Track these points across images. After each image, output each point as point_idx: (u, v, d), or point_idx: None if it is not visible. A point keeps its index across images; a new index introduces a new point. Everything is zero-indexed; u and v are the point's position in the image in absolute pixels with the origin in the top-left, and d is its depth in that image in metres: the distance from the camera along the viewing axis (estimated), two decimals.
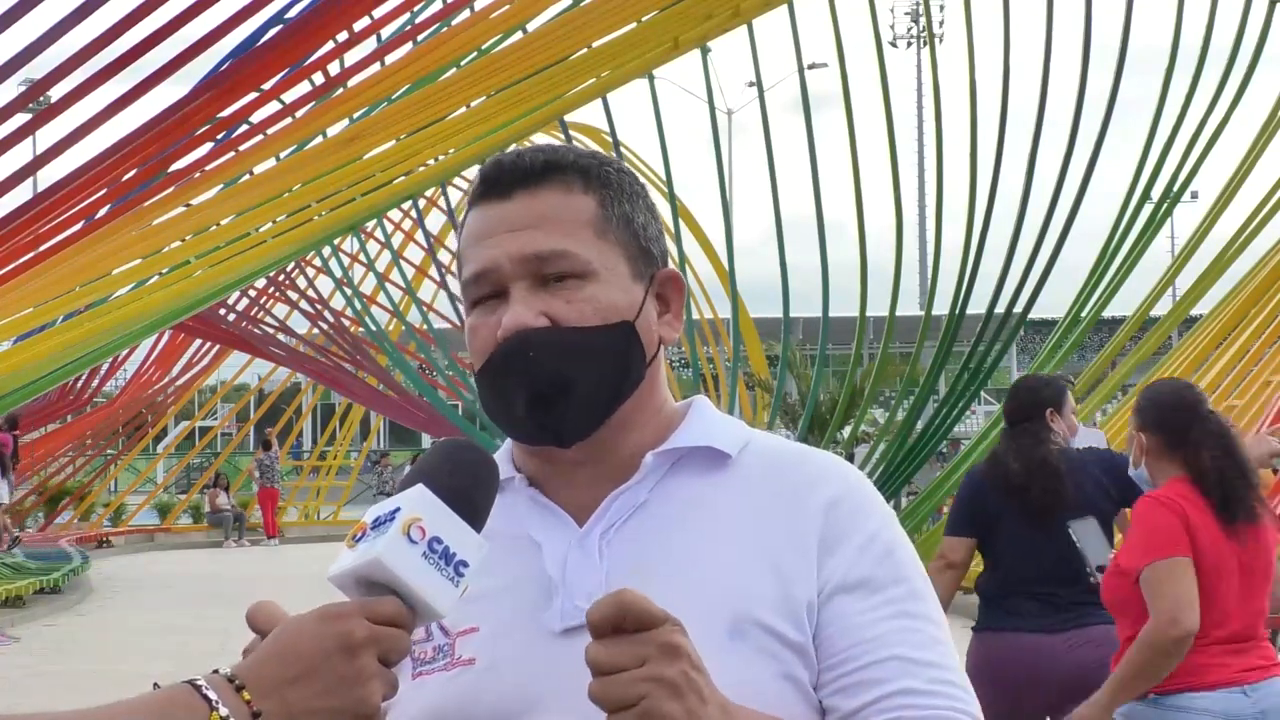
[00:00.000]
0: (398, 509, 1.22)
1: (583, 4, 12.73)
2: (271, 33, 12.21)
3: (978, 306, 18.28)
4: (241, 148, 12.43)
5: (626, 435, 1.47)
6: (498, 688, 1.40)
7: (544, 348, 1.41)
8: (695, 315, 23.17)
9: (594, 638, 1.23)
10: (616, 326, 1.44)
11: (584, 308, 1.43)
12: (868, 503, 1.47)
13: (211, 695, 1.14)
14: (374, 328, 23.27)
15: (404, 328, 23.98)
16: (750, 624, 1.37)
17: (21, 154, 18.44)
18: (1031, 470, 5.12)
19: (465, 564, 1.22)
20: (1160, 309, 19.35)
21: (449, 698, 1.40)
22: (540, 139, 22.16)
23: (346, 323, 23.85)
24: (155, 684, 1.18)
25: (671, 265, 1.55)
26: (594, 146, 24.23)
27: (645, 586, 1.37)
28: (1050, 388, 5.47)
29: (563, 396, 1.42)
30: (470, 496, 1.26)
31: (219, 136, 12.23)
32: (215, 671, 1.17)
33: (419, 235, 23.27)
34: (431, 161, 12.63)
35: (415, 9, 13.41)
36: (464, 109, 12.86)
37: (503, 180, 1.47)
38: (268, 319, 23.93)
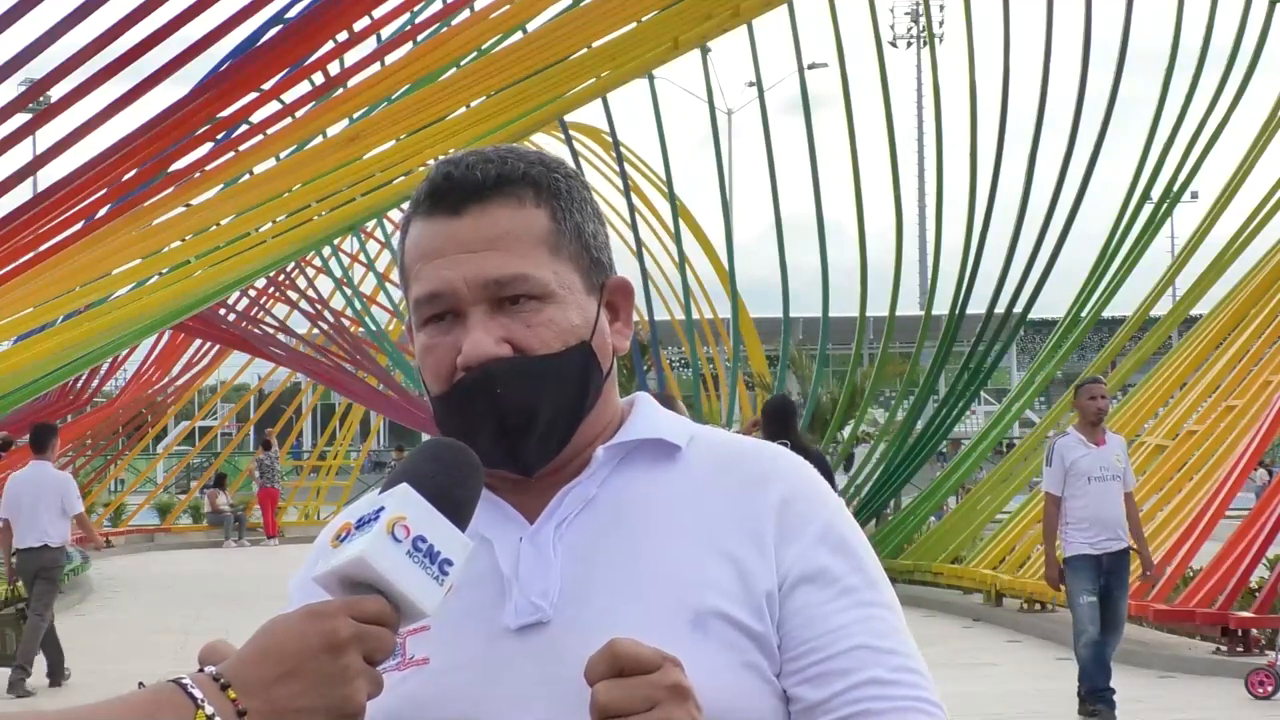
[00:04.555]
0: (382, 508, 1.21)
1: (583, 4, 12.73)
2: (271, 33, 12.20)
3: (978, 306, 18.28)
4: (241, 148, 12.42)
5: (582, 446, 1.48)
6: (454, 687, 1.39)
7: (509, 380, 1.41)
8: (695, 315, 23.16)
9: (594, 681, 1.22)
10: (575, 349, 1.44)
11: (544, 332, 1.42)
12: (819, 494, 1.48)
13: (197, 694, 1.13)
14: (374, 328, 23.28)
15: (404, 328, 23.95)
16: (711, 615, 1.38)
17: (21, 154, 18.44)
18: None
19: (450, 562, 1.22)
20: (1160, 309, 19.33)
21: (403, 698, 1.38)
22: (540, 139, 22.17)
23: (346, 323, 23.85)
24: (140, 683, 1.18)
25: (619, 273, 1.55)
26: (594, 146, 24.26)
27: (602, 580, 1.39)
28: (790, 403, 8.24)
29: (527, 429, 1.43)
30: (454, 495, 1.26)
31: (219, 136, 12.22)
32: (201, 670, 1.17)
33: None
34: (431, 162, 12.62)
35: (415, 9, 13.40)
36: (464, 109, 12.86)
37: (453, 193, 1.45)
38: (268, 319, 23.93)
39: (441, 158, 1.47)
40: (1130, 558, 9.27)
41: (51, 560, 11.55)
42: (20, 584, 12.03)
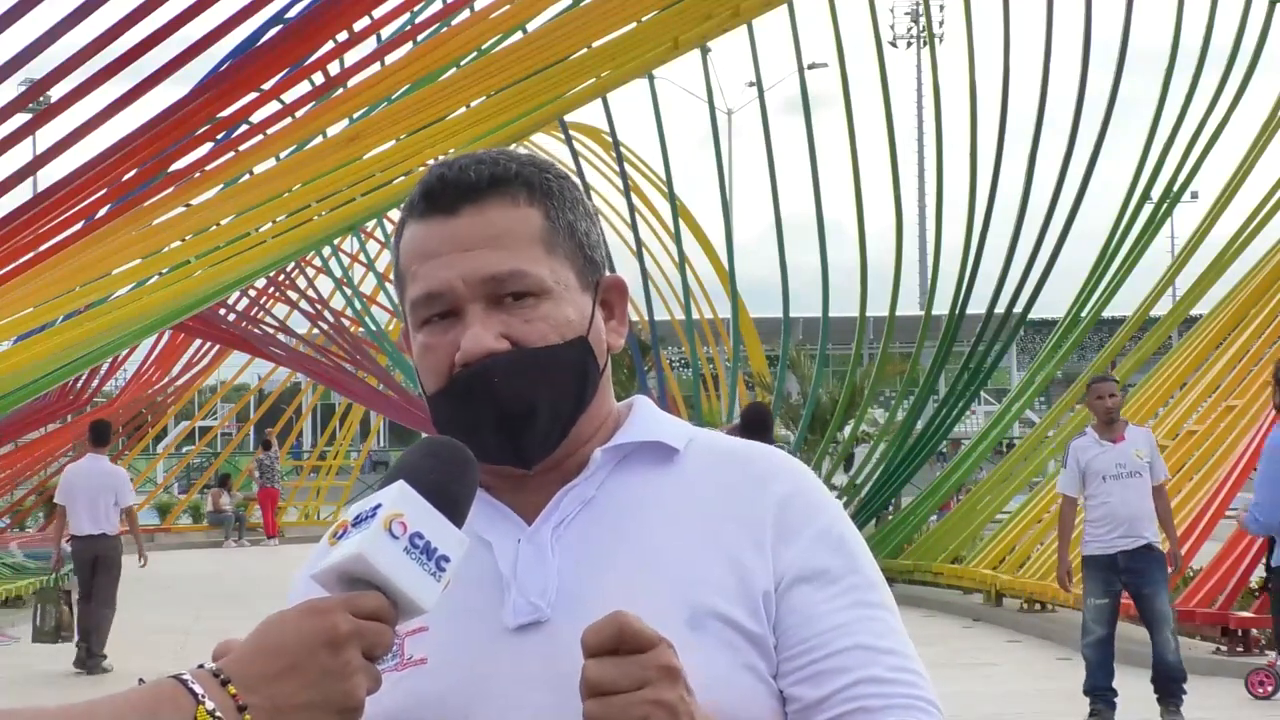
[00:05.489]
0: (379, 505, 1.22)
1: (583, 4, 12.73)
2: (271, 33, 12.20)
3: (978, 306, 18.28)
4: (241, 148, 12.42)
5: (579, 443, 1.49)
6: (452, 686, 1.40)
7: (508, 372, 1.42)
8: (695, 315, 23.16)
9: (588, 657, 1.23)
10: (573, 343, 1.45)
11: (541, 327, 1.43)
12: (818, 496, 1.49)
13: (197, 689, 1.14)
14: (374, 328, 23.28)
15: (404, 327, 23.91)
16: (708, 615, 1.38)
17: (21, 154, 18.43)
18: None
19: (447, 559, 1.23)
20: (1160, 309, 19.33)
21: (401, 698, 1.39)
22: (540, 139, 22.16)
23: (346, 323, 23.85)
24: (140, 679, 1.18)
25: (611, 272, 1.56)
26: (594, 146, 24.21)
27: (600, 580, 1.40)
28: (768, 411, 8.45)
29: (527, 419, 1.44)
30: (451, 492, 1.27)
31: (219, 136, 12.22)
32: (200, 666, 1.17)
33: None
34: (431, 162, 12.62)
35: (415, 9, 13.41)
36: (464, 109, 12.86)
37: (447, 194, 1.46)
38: (268, 319, 23.93)
39: (437, 159, 1.50)
40: (1159, 553, 9.01)
41: (106, 548, 12.21)
42: (65, 572, 12.92)
